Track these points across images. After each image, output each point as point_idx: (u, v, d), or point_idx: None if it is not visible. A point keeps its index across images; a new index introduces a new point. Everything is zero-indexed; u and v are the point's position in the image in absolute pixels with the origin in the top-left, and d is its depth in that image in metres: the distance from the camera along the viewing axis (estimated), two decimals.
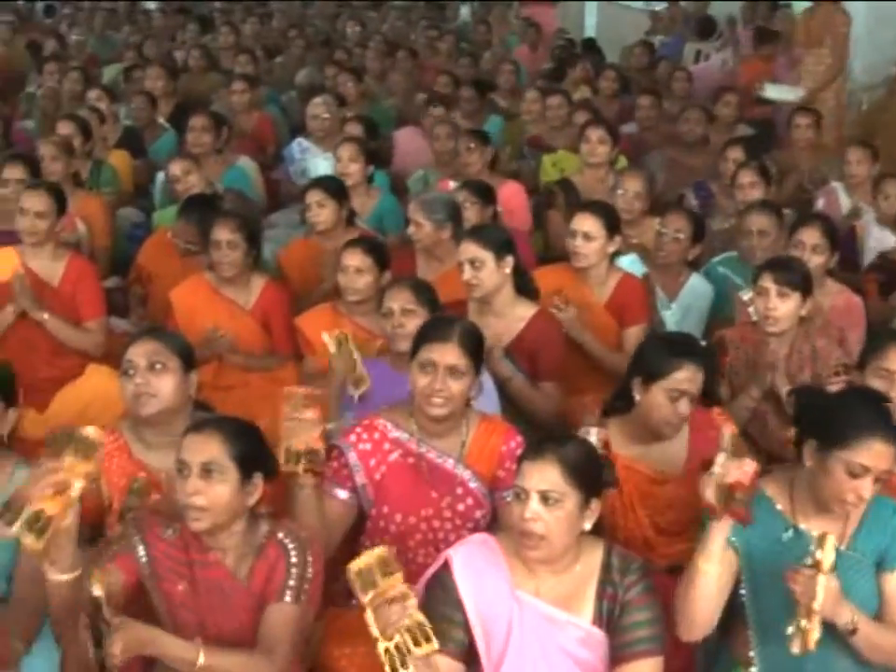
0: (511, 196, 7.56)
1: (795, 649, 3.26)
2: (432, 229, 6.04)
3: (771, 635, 3.50)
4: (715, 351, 5.05)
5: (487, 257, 5.18)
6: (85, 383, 5.69)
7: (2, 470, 3.84)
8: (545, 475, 3.32)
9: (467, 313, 5.24)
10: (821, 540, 3.27)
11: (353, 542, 4.11)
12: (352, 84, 10.44)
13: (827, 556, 3.25)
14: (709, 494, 3.33)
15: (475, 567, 3.43)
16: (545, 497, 3.31)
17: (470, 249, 5.22)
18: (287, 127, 10.37)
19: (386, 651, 3.23)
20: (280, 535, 3.52)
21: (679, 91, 10.80)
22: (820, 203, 7.60)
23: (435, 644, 3.23)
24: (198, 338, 5.28)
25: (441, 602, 3.40)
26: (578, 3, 17.01)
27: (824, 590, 3.23)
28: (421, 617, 3.24)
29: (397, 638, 3.22)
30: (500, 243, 5.25)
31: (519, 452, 3.78)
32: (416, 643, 3.22)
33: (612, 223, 5.74)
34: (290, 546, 3.50)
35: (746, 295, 5.43)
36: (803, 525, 3.54)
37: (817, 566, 3.25)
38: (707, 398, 4.36)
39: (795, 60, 10.92)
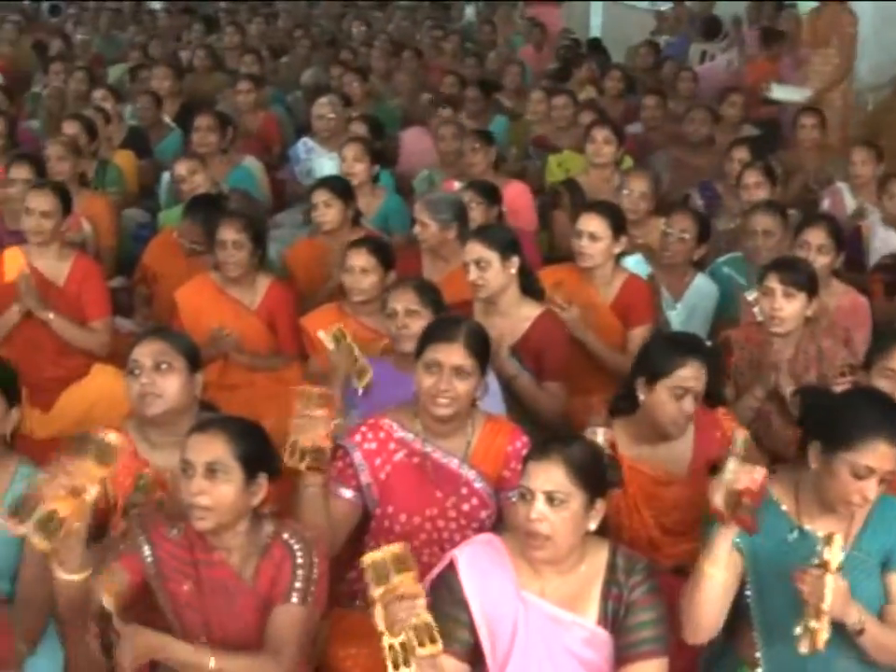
0: (516, 196, 7.55)
1: (803, 649, 3.25)
2: (438, 229, 6.04)
3: (776, 635, 3.50)
4: (720, 351, 5.05)
5: (493, 257, 5.18)
6: (90, 382, 5.69)
7: (5, 469, 3.83)
8: (550, 475, 3.32)
9: (472, 313, 5.24)
10: (828, 540, 3.27)
11: (357, 542, 4.11)
12: (357, 84, 10.43)
13: (834, 556, 3.24)
14: (718, 499, 3.31)
15: (480, 568, 3.43)
16: (550, 498, 3.31)
17: (476, 249, 5.22)
18: (292, 127, 10.36)
19: (391, 647, 3.23)
20: (285, 535, 3.52)
21: (685, 92, 10.79)
22: (826, 204, 7.60)
23: (439, 646, 3.23)
24: (203, 338, 5.27)
25: (446, 602, 3.40)
26: (583, 3, 17.00)
27: (832, 590, 3.22)
28: (429, 618, 3.24)
29: (402, 636, 3.23)
30: (506, 243, 5.25)
31: (524, 452, 3.78)
32: (421, 643, 3.22)
33: (618, 224, 5.74)
34: (296, 547, 3.50)
35: (751, 295, 5.43)
36: (808, 526, 3.53)
37: (824, 565, 3.24)
38: (713, 398, 4.36)
39: (800, 60, 10.92)
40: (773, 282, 5.00)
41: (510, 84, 11.35)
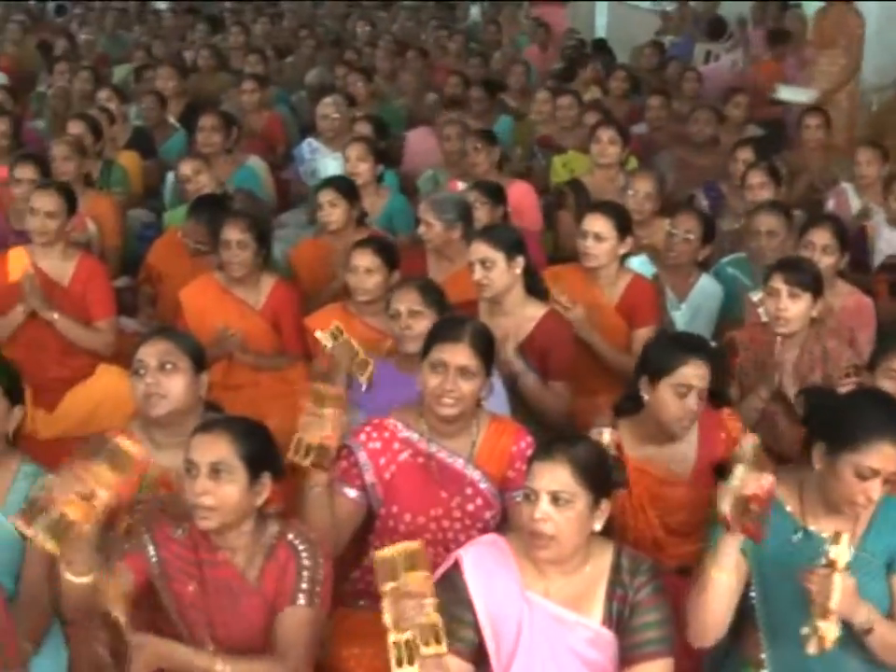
0: (521, 196, 7.55)
1: (812, 649, 3.25)
2: (442, 229, 6.04)
3: (781, 636, 3.50)
4: (725, 352, 5.05)
5: (498, 257, 5.18)
6: (95, 382, 5.69)
7: (7, 468, 3.84)
8: (555, 476, 3.32)
9: (477, 313, 5.24)
10: (836, 538, 3.26)
11: (362, 542, 4.11)
12: (362, 84, 10.44)
13: (842, 554, 3.24)
14: (725, 505, 3.31)
15: (485, 568, 3.43)
16: (555, 498, 3.31)
17: (481, 249, 5.22)
18: (296, 127, 10.37)
19: (395, 644, 3.24)
20: (290, 536, 3.52)
21: (689, 92, 10.80)
22: (830, 204, 7.59)
23: (444, 647, 3.23)
24: (208, 338, 5.27)
25: (450, 602, 3.38)
26: (588, 3, 16.99)
27: (840, 589, 3.22)
28: (437, 618, 3.25)
29: (408, 634, 3.23)
30: (511, 243, 5.25)
31: (529, 452, 3.79)
32: (426, 643, 3.22)
33: (624, 224, 5.74)
34: (301, 547, 3.50)
35: (756, 296, 5.42)
36: (812, 527, 3.54)
37: (831, 564, 3.24)
38: (718, 399, 4.36)
39: (805, 60, 10.92)
40: (778, 282, 4.99)
41: (514, 84, 11.34)
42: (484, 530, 3.96)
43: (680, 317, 6.16)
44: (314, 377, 5.26)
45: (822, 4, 10.43)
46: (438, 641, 3.22)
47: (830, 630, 3.24)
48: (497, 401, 4.55)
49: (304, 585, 3.46)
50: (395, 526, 4.05)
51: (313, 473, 3.76)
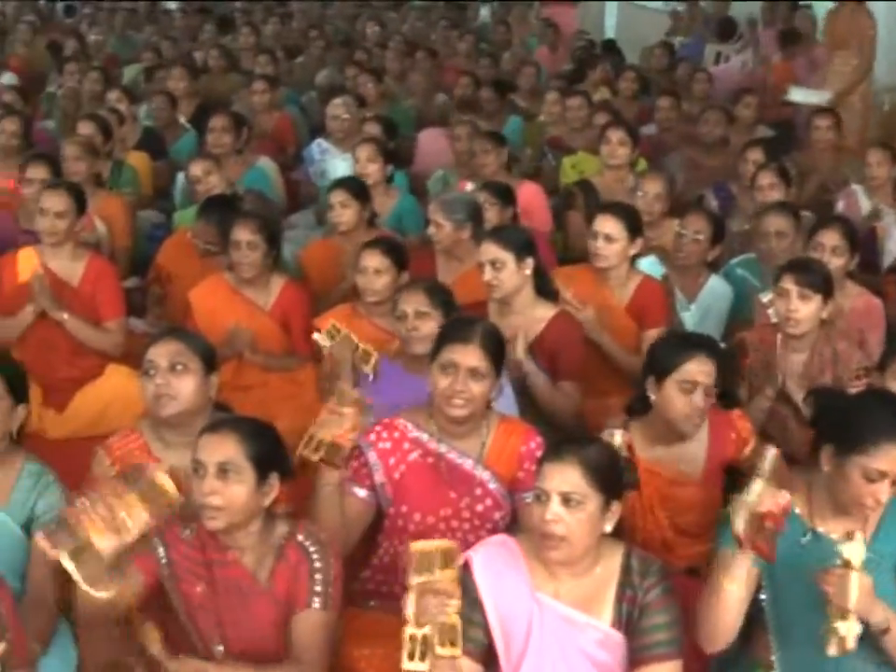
0: (531, 197, 7.55)
1: (833, 651, 3.23)
2: (452, 229, 6.04)
3: (792, 638, 3.49)
4: (735, 353, 5.05)
5: (508, 258, 5.18)
6: (105, 383, 5.70)
7: (11, 466, 3.87)
8: (566, 477, 3.31)
9: (487, 314, 5.24)
10: (850, 537, 3.25)
11: (371, 542, 4.11)
12: (372, 85, 10.44)
13: (857, 553, 3.23)
14: (740, 521, 3.27)
15: (495, 569, 3.43)
16: (566, 499, 3.30)
17: (491, 250, 5.22)
18: (306, 128, 10.37)
19: (412, 637, 3.24)
20: (300, 537, 3.52)
21: (699, 93, 10.79)
22: (840, 206, 7.58)
23: (458, 651, 3.24)
24: (217, 338, 5.26)
25: None
26: (598, 4, 16.99)
27: (858, 587, 3.21)
28: (457, 620, 3.26)
29: (426, 629, 3.23)
30: (521, 244, 5.25)
31: (539, 453, 3.79)
32: (442, 643, 3.23)
33: (634, 225, 5.73)
34: (312, 549, 3.50)
35: (765, 297, 5.42)
36: (821, 529, 3.53)
37: (847, 564, 3.23)
38: (727, 400, 4.35)
39: (815, 60, 10.90)
40: (788, 283, 4.98)
41: (524, 85, 11.34)
42: (494, 531, 3.96)
43: (690, 318, 6.15)
44: (321, 379, 5.28)
45: (833, 4, 10.41)
46: (454, 644, 3.23)
47: (851, 629, 3.22)
48: (506, 403, 4.55)
49: (318, 588, 3.46)
50: (404, 526, 4.05)
51: (324, 471, 3.76)
